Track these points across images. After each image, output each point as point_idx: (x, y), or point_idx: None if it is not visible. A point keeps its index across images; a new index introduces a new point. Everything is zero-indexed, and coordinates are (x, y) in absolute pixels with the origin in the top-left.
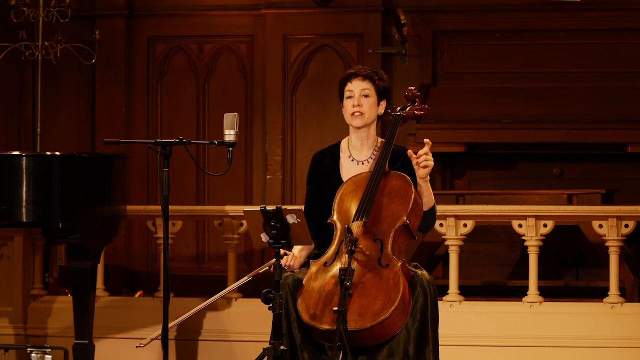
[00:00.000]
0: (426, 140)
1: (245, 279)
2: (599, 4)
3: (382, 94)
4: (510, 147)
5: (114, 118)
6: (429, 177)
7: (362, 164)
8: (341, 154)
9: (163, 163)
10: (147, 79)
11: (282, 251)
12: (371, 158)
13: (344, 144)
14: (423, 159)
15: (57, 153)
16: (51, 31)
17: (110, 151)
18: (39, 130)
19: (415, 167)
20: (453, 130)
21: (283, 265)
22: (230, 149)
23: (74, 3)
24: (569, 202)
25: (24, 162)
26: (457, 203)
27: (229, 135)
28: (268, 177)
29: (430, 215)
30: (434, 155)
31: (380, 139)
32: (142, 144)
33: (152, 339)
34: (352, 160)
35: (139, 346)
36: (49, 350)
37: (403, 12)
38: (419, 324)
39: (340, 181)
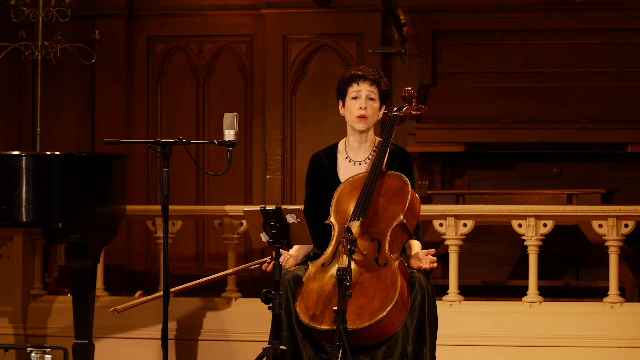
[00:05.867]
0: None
1: (234, 271)
2: (599, 4)
3: (385, 98)
4: (510, 147)
5: (114, 118)
6: None
7: (360, 164)
8: (339, 155)
9: (163, 163)
10: (147, 78)
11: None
12: (369, 159)
13: (341, 145)
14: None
15: (57, 153)
16: (51, 31)
17: (110, 151)
18: (39, 130)
19: (417, 262)
20: (453, 130)
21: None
22: (230, 149)
23: (74, 3)
24: (569, 202)
25: (24, 162)
26: (457, 203)
27: (229, 135)
28: (268, 177)
29: None
30: (434, 155)
31: (378, 139)
32: (142, 144)
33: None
34: (350, 161)
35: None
36: (49, 350)
37: (403, 12)
38: (417, 322)
39: (338, 182)
